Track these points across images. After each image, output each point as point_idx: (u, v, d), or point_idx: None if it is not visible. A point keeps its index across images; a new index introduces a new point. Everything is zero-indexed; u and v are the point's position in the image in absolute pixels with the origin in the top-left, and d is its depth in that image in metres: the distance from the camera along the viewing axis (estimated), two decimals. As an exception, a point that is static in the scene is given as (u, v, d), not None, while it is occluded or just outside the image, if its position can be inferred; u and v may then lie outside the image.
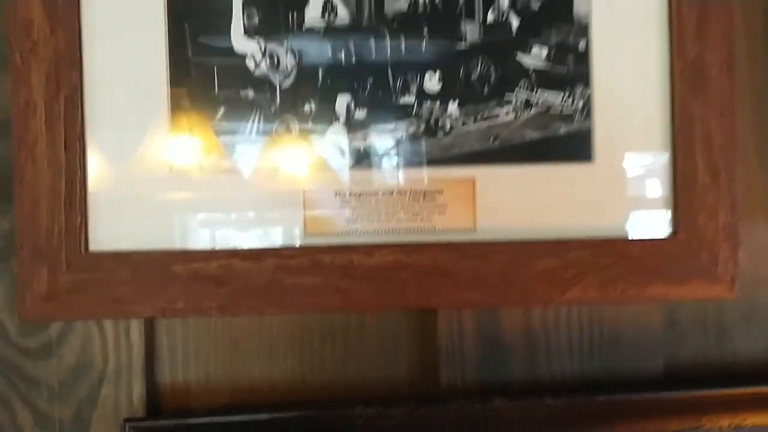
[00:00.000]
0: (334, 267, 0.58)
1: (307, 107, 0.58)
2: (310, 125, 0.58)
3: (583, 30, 0.59)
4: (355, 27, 0.58)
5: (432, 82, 0.59)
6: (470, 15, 0.59)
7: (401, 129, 0.59)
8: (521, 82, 0.59)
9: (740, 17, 0.65)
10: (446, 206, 0.59)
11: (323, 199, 0.58)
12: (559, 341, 0.63)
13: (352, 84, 0.58)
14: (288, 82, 0.58)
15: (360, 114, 0.59)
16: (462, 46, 0.59)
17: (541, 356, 0.63)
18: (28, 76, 0.55)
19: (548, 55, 0.59)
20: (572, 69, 0.59)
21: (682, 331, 0.65)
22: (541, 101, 0.59)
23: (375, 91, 0.59)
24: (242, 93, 0.58)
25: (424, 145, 0.59)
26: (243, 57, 0.58)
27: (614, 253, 0.59)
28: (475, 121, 0.59)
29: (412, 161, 0.59)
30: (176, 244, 0.57)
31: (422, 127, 0.59)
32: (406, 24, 0.58)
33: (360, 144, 0.59)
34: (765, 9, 0.66)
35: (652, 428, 0.61)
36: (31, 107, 0.55)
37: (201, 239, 0.58)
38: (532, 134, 0.59)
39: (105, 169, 0.57)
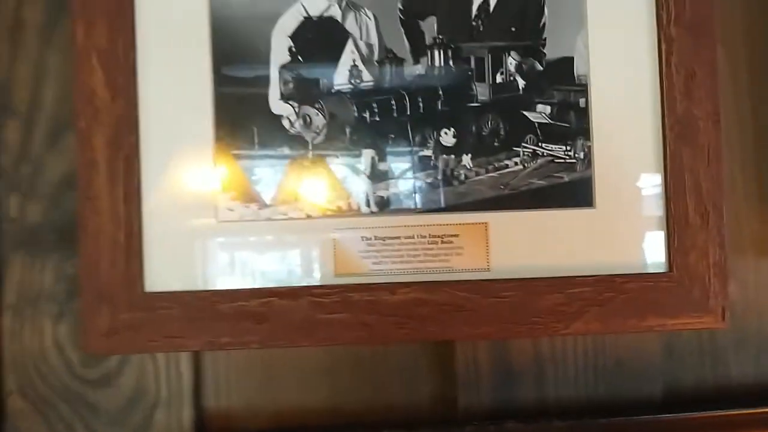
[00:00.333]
0: (361, 304, 0.64)
1: (335, 162, 0.65)
2: (338, 177, 0.65)
3: (583, 89, 0.66)
4: (378, 89, 0.65)
5: (447, 137, 0.66)
6: (481, 77, 0.66)
7: (420, 179, 0.66)
8: (528, 136, 0.66)
9: (726, 68, 0.72)
10: (462, 248, 0.65)
11: (351, 242, 0.65)
12: (566, 369, 0.69)
13: (375, 140, 0.65)
14: (319, 139, 0.65)
15: (383, 166, 0.65)
16: (474, 104, 0.66)
17: (550, 383, 0.69)
18: (92, 139, 0.62)
19: (552, 111, 0.66)
20: (574, 124, 0.66)
21: (679, 358, 0.71)
22: (546, 153, 0.66)
23: (396, 145, 0.65)
24: (279, 149, 0.65)
25: (441, 193, 0.65)
26: (279, 118, 0.65)
27: (614, 289, 0.65)
28: (486, 171, 0.66)
29: (430, 208, 0.65)
30: (221, 284, 0.64)
31: (439, 177, 0.66)
32: (423, 86, 0.65)
33: (383, 193, 0.65)
34: (748, 61, 0.73)
35: (652, 448, 0.67)
36: (94, 166, 0.62)
37: (243, 280, 0.65)
38: (538, 182, 0.66)
39: (158, 220, 0.63)
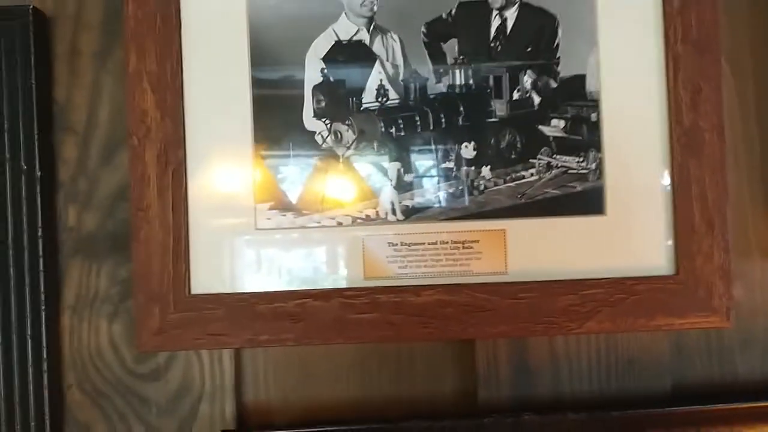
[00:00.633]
0: (388, 305, 0.69)
1: (364, 173, 0.71)
2: (367, 188, 0.71)
3: (595, 104, 0.71)
4: (403, 107, 0.71)
5: (468, 150, 0.71)
6: (499, 94, 0.71)
7: (443, 189, 0.71)
8: (543, 149, 0.71)
9: (732, 83, 0.76)
10: (482, 253, 0.70)
11: (379, 248, 0.70)
12: (580, 365, 0.74)
13: (401, 153, 0.71)
14: (349, 153, 0.71)
15: (408, 178, 0.71)
16: (493, 119, 0.71)
17: (564, 378, 0.74)
18: (143, 154, 0.68)
19: (565, 125, 0.71)
20: (586, 137, 0.71)
21: (688, 357, 0.76)
22: (560, 164, 0.71)
23: (420, 158, 0.71)
24: (312, 162, 0.71)
25: (462, 202, 0.71)
26: (312, 133, 0.70)
27: (624, 291, 0.69)
28: (504, 181, 0.71)
29: (452, 216, 0.70)
30: (260, 287, 0.70)
31: (460, 187, 0.71)
32: (446, 103, 0.71)
33: (408, 202, 0.71)
34: (753, 76, 0.77)
35: (661, 439, 0.72)
36: (145, 179, 0.68)
37: (281, 283, 0.70)
38: (553, 192, 0.71)
39: (204, 228, 0.69)
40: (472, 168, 0.71)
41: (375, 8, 0.70)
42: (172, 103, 0.69)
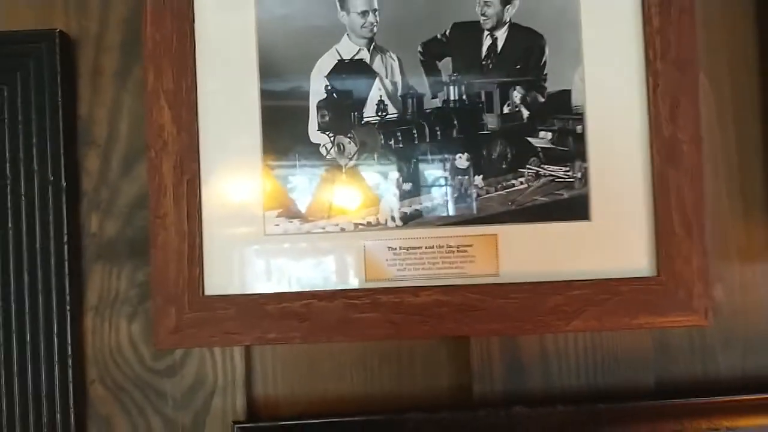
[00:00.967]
0: (388, 305, 0.74)
1: (365, 182, 0.76)
2: (368, 196, 0.76)
3: (580, 118, 0.76)
4: (401, 120, 0.76)
5: (462, 160, 0.76)
6: (490, 108, 0.76)
7: (439, 197, 0.76)
8: (532, 159, 0.76)
9: (711, 96, 0.80)
10: (475, 257, 0.75)
11: (380, 252, 0.75)
12: (568, 361, 0.79)
13: (400, 164, 0.76)
14: (351, 164, 0.76)
15: (406, 186, 0.76)
16: (484, 132, 0.76)
17: (554, 374, 0.79)
18: (160, 166, 0.74)
19: (552, 137, 0.76)
20: (572, 148, 0.76)
21: (671, 355, 0.79)
22: (548, 173, 0.76)
23: (417, 168, 0.76)
24: (317, 172, 0.76)
25: (456, 209, 0.76)
26: (317, 146, 0.76)
27: (609, 291, 0.74)
28: (496, 189, 0.76)
29: (447, 222, 0.75)
30: (269, 288, 0.75)
31: (455, 195, 0.76)
32: (441, 117, 0.76)
33: (407, 209, 0.76)
34: (731, 89, 0.81)
35: (644, 430, 0.76)
36: (162, 189, 0.74)
37: (287, 284, 0.75)
38: (541, 199, 0.76)
39: (216, 234, 0.74)
40: (466, 177, 0.76)
41: (375, 29, 0.75)
42: (187, 118, 0.74)
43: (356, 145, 0.76)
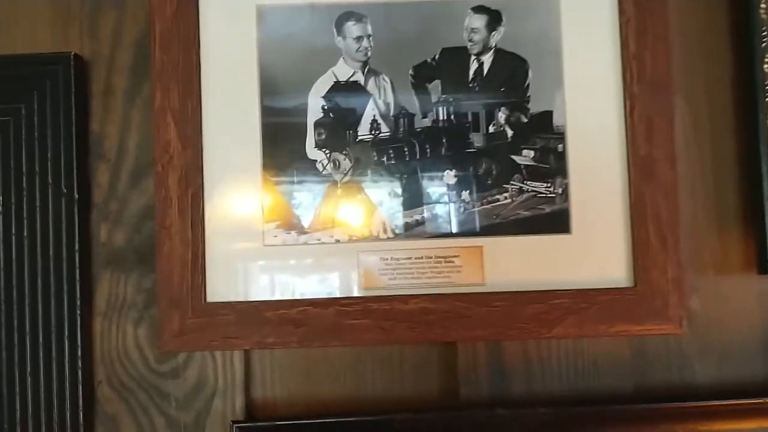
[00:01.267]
0: (380, 312, 0.78)
1: (359, 197, 0.81)
2: (362, 209, 0.80)
3: (561, 137, 0.80)
4: (393, 139, 0.81)
5: (450, 176, 0.80)
6: (476, 128, 0.81)
7: (428, 211, 0.80)
8: (515, 176, 0.80)
9: (688, 117, 0.85)
10: (461, 267, 0.80)
11: (372, 262, 0.80)
12: (550, 366, 0.83)
13: (392, 179, 0.80)
14: (346, 179, 0.81)
15: (397, 200, 0.80)
16: (471, 150, 0.80)
17: (537, 378, 0.82)
18: (166, 179, 0.78)
19: (535, 155, 0.80)
20: (553, 165, 0.80)
21: (649, 362, 0.83)
22: (530, 189, 0.80)
23: (408, 183, 0.81)
24: (314, 187, 0.80)
25: (444, 222, 0.80)
26: (314, 162, 0.80)
27: (588, 300, 0.78)
28: (481, 204, 0.80)
29: (436, 234, 0.80)
30: (267, 296, 0.79)
31: (444, 209, 0.80)
32: (430, 136, 0.80)
33: (398, 222, 0.80)
34: (708, 110, 0.85)
35: (622, 433, 0.80)
36: (168, 201, 0.78)
37: (285, 292, 0.79)
38: (524, 213, 0.80)
39: (218, 244, 0.79)
40: (454, 192, 0.80)
41: (369, 54, 0.81)
42: (192, 135, 0.79)
43: (351, 162, 0.80)
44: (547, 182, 0.80)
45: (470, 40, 0.80)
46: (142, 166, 0.83)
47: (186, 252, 0.78)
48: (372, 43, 0.80)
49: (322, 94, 0.80)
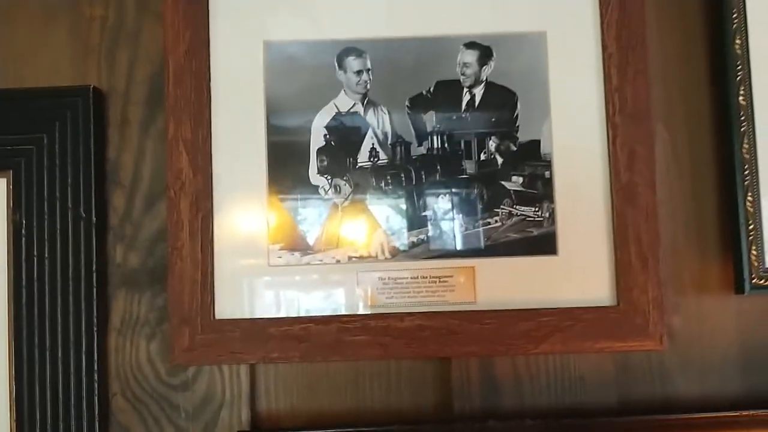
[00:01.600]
0: (378, 328, 0.82)
1: (359, 220, 0.86)
2: (360, 232, 0.86)
3: (548, 164, 0.85)
4: (391, 165, 0.86)
5: (443, 201, 0.86)
6: (469, 155, 0.86)
7: (423, 233, 0.85)
8: (505, 200, 0.85)
9: (669, 145, 0.89)
10: (455, 286, 0.84)
11: (370, 282, 0.84)
12: (539, 381, 0.87)
13: (389, 204, 0.86)
14: (346, 203, 0.86)
15: (395, 223, 0.85)
16: (464, 176, 0.86)
17: (526, 392, 0.86)
18: (178, 204, 0.83)
19: (523, 181, 0.85)
20: (541, 191, 0.85)
21: (632, 377, 0.87)
22: (519, 213, 0.85)
23: (405, 208, 0.86)
24: (316, 210, 0.86)
25: (439, 244, 0.85)
26: (317, 187, 0.86)
27: (573, 318, 0.82)
28: (473, 227, 0.85)
29: (431, 255, 0.85)
30: (272, 313, 0.84)
31: (438, 231, 0.85)
32: (425, 163, 0.86)
33: (395, 244, 0.85)
34: (687, 138, 0.90)
35: (606, 444, 0.85)
36: (179, 224, 0.83)
37: (288, 310, 0.84)
38: (513, 236, 0.85)
39: (226, 264, 0.84)
40: (448, 216, 0.85)
41: (368, 86, 0.86)
42: (203, 163, 0.84)
43: (351, 187, 0.86)
44: (535, 207, 0.85)
45: (463, 74, 0.86)
46: (155, 192, 0.88)
47: (196, 272, 0.83)
48: (371, 77, 0.86)
49: (325, 124, 0.86)
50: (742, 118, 0.87)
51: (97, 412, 0.84)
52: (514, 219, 0.85)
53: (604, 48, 0.85)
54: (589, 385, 0.87)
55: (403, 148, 0.86)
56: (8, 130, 0.85)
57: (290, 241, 0.85)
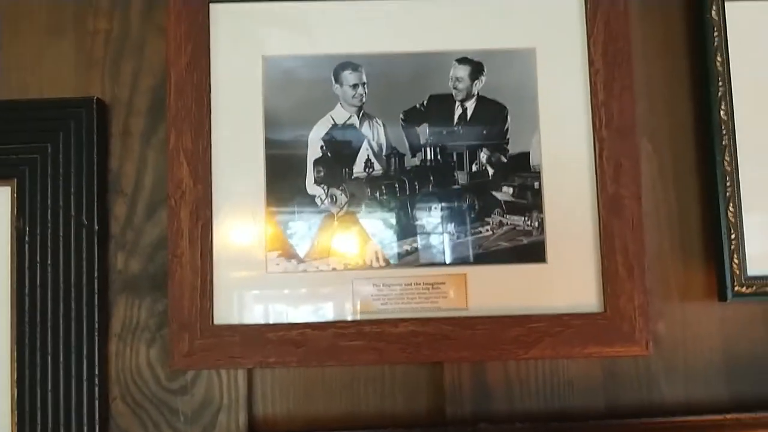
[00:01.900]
0: (372, 334, 0.85)
1: (354, 228, 0.88)
2: (356, 240, 0.88)
3: (537, 175, 0.88)
4: (385, 176, 0.89)
5: (436, 211, 0.88)
6: (461, 167, 0.89)
7: (416, 242, 0.88)
8: (496, 210, 0.88)
9: (654, 159, 0.92)
10: (447, 293, 0.87)
11: (365, 288, 0.87)
12: (529, 386, 0.89)
13: (384, 213, 0.88)
14: (342, 213, 0.88)
15: (389, 232, 0.88)
16: (456, 187, 0.88)
17: (517, 396, 0.89)
18: (179, 212, 0.86)
19: (514, 192, 0.88)
20: (530, 201, 0.88)
21: (619, 382, 0.90)
22: (509, 222, 0.88)
23: (399, 217, 0.88)
24: (312, 219, 0.88)
25: (432, 252, 0.88)
26: (313, 197, 0.88)
27: (562, 324, 0.85)
28: (465, 235, 0.88)
29: (423, 263, 0.87)
30: (269, 319, 0.86)
31: (431, 240, 0.88)
32: (419, 174, 0.88)
33: (390, 252, 0.88)
34: (672, 152, 0.93)
35: (594, 447, 0.87)
36: (180, 232, 0.85)
37: (286, 316, 0.87)
38: (504, 244, 0.88)
39: (225, 271, 0.86)
40: (441, 225, 0.88)
41: (364, 100, 0.89)
42: (203, 172, 0.86)
43: (347, 197, 0.88)
44: (525, 216, 0.88)
45: (455, 88, 0.89)
46: (156, 201, 0.90)
47: (195, 279, 0.85)
48: (366, 90, 0.89)
49: (321, 136, 0.88)
50: (724, 132, 0.90)
51: (97, 416, 0.85)
52: (505, 228, 0.88)
53: (591, 64, 0.88)
54: (578, 389, 0.90)
55: (397, 159, 0.89)
56: (13, 139, 0.87)
57: (287, 249, 0.87)
